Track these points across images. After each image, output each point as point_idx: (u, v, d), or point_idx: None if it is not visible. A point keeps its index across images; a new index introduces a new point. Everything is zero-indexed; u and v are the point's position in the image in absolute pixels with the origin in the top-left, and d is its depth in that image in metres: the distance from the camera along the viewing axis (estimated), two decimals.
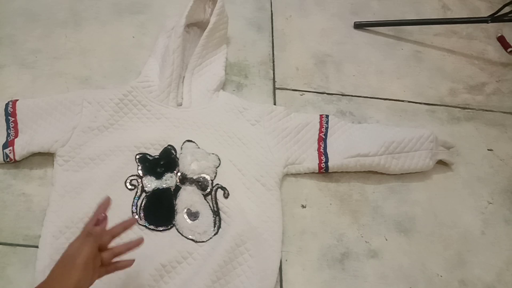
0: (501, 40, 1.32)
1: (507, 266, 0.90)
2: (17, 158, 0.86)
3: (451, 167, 1.02)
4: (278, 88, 1.09)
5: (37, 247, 0.78)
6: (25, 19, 1.11)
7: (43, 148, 0.87)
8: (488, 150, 1.07)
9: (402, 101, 1.13)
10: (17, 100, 0.91)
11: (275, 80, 1.11)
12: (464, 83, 1.20)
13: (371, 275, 0.85)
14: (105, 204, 0.70)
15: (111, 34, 1.12)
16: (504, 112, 1.16)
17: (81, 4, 1.17)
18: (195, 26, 1.10)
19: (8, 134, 0.88)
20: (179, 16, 1.02)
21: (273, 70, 1.13)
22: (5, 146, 0.86)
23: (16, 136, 0.88)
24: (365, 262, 0.86)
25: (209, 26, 1.03)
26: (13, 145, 0.86)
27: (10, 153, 0.85)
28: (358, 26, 1.27)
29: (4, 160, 0.86)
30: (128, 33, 1.13)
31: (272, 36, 1.20)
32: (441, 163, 1.02)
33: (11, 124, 0.88)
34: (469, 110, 1.15)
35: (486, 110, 1.15)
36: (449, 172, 1.02)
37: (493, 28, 1.34)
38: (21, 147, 0.86)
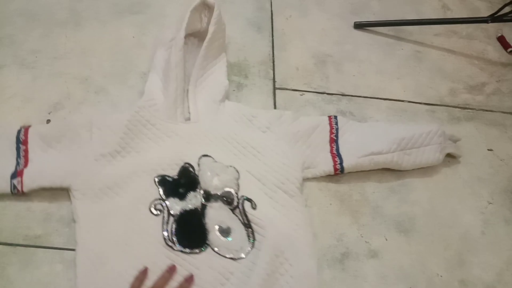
0: (501, 40, 1.32)
1: (507, 266, 0.90)
2: (25, 190, 0.81)
3: (451, 167, 1.02)
4: (278, 88, 1.09)
5: (37, 247, 0.78)
6: (25, 19, 1.11)
7: (55, 183, 0.82)
8: (488, 150, 1.07)
9: (402, 101, 1.13)
10: (30, 126, 0.88)
11: (275, 80, 1.11)
12: (464, 83, 1.20)
13: (371, 275, 0.85)
14: (141, 276, 0.73)
15: (111, 34, 1.12)
16: (504, 112, 1.16)
17: (81, 4, 1.17)
18: (192, 36, 1.06)
19: (17, 163, 0.83)
20: (177, 29, 1.00)
21: (273, 70, 1.13)
22: (13, 176, 0.81)
23: (25, 165, 0.83)
24: (365, 262, 0.86)
25: (208, 36, 1.00)
26: (22, 175, 0.81)
27: (18, 184, 0.80)
28: (358, 26, 1.27)
29: (11, 191, 0.81)
30: (128, 33, 1.13)
31: (272, 36, 1.20)
32: (442, 162, 1.02)
33: (22, 153, 0.84)
34: (469, 110, 1.15)
35: (486, 110, 1.15)
36: (449, 172, 1.02)
37: (493, 28, 1.34)
38: (31, 178, 0.81)
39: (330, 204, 0.93)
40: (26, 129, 0.87)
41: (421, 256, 0.89)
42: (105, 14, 1.16)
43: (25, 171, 0.82)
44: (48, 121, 0.94)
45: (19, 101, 0.96)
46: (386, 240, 0.90)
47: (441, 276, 0.87)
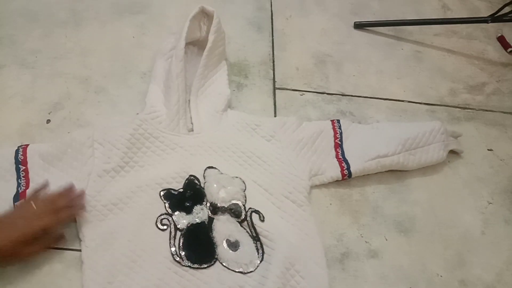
0: (501, 40, 1.32)
1: (507, 266, 0.90)
2: None
3: (451, 166, 1.02)
4: (278, 88, 1.09)
5: None
6: (25, 19, 1.11)
7: None
8: (488, 150, 1.07)
9: (402, 101, 1.13)
10: (28, 145, 0.84)
11: (275, 80, 1.11)
12: (464, 83, 1.20)
13: (371, 275, 0.85)
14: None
15: (111, 34, 1.12)
16: (504, 112, 1.16)
17: (81, 4, 1.17)
18: (191, 44, 1.04)
19: (18, 185, 0.80)
20: (176, 38, 0.99)
21: (273, 70, 1.13)
22: (16, 199, 0.79)
23: (27, 187, 0.80)
24: (365, 262, 0.86)
25: (208, 45, 0.98)
26: (25, 197, 0.79)
27: None
28: (358, 26, 1.27)
29: None
30: (128, 33, 1.13)
31: (272, 36, 1.20)
32: (442, 162, 1.02)
33: (22, 174, 0.81)
34: (469, 110, 1.15)
35: (486, 110, 1.15)
36: (449, 172, 1.02)
37: (493, 28, 1.34)
38: None
39: (330, 204, 0.93)
40: (24, 148, 0.84)
41: (421, 256, 0.89)
42: (105, 14, 1.16)
43: (28, 192, 0.80)
44: (48, 121, 0.94)
45: (19, 101, 0.96)
46: (386, 240, 0.90)
47: (441, 276, 0.87)
